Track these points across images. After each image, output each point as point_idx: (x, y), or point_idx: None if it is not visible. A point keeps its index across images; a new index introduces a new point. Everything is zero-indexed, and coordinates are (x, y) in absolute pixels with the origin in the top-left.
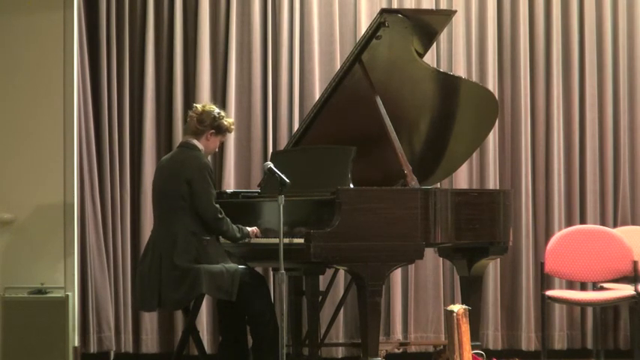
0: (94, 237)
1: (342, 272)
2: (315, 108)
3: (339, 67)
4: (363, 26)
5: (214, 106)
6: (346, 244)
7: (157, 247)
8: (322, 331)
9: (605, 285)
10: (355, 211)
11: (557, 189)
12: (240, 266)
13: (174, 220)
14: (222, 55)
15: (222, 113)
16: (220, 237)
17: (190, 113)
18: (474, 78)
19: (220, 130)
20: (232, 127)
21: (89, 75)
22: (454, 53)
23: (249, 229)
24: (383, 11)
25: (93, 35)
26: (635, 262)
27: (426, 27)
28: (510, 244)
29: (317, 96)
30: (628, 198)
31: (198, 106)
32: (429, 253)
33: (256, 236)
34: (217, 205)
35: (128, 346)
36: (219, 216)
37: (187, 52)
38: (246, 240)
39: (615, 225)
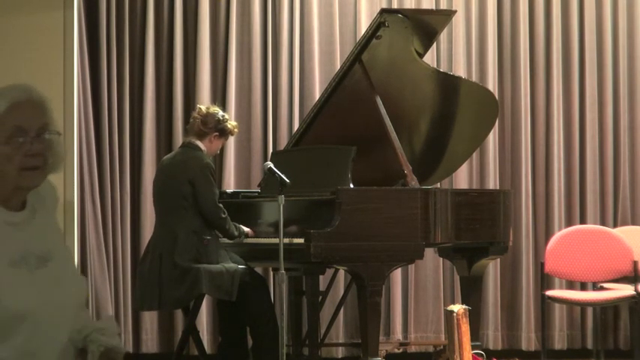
0: (94, 237)
1: (342, 272)
2: (315, 108)
3: (339, 67)
4: (363, 26)
5: (218, 108)
6: (346, 244)
7: (158, 246)
8: (322, 331)
9: (605, 285)
10: (355, 211)
11: (557, 189)
12: (240, 266)
13: (176, 219)
14: (222, 55)
15: (227, 116)
16: (220, 236)
17: (194, 114)
18: (474, 78)
19: (224, 132)
20: (236, 130)
21: (89, 75)
22: (454, 53)
23: (244, 228)
24: (383, 11)
25: (93, 35)
26: (635, 262)
27: (426, 27)
28: (510, 244)
29: (317, 96)
30: (628, 198)
31: (202, 107)
32: (429, 253)
33: (247, 236)
34: (221, 205)
35: (128, 346)
36: (223, 215)
37: (187, 52)
38: (242, 239)
39: (615, 225)
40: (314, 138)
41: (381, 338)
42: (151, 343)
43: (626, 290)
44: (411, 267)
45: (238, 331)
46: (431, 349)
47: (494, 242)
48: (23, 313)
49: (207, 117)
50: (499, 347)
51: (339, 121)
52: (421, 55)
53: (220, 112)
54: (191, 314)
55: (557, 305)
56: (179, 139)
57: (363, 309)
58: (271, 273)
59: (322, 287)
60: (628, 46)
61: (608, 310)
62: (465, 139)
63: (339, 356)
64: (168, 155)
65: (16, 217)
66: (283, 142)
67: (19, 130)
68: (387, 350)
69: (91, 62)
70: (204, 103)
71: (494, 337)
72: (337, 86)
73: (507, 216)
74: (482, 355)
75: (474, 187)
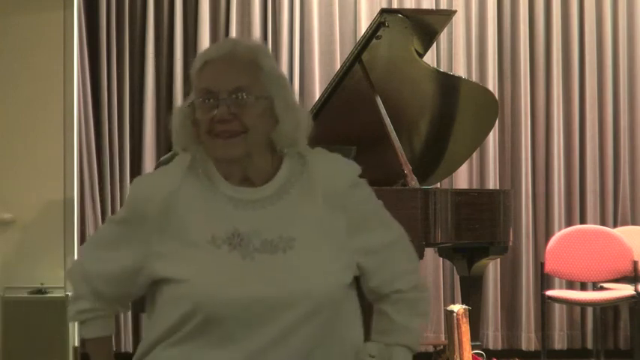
0: None
1: None
2: (314, 108)
3: (339, 67)
4: (363, 26)
5: None
6: None
7: None
8: None
9: (605, 285)
10: None
11: (557, 189)
12: None
13: None
14: None
15: None
16: None
17: None
18: (474, 78)
19: None
20: None
21: (89, 75)
22: (454, 53)
23: None
24: (383, 11)
25: (93, 35)
26: (635, 262)
27: (426, 27)
28: (510, 244)
29: (317, 96)
30: (628, 198)
31: None
32: (429, 253)
33: None
34: None
35: (128, 346)
36: None
37: (187, 52)
38: None
39: (615, 225)
40: (314, 138)
41: None
42: None
43: (626, 290)
44: None
45: None
46: (431, 349)
47: (494, 242)
48: (207, 299)
49: None
50: (499, 347)
51: (338, 121)
52: (421, 55)
53: None
54: None
55: (557, 305)
56: None
57: (362, 309)
58: None
59: None
60: (628, 46)
61: (608, 310)
62: (465, 139)
63: None
64: (166, 155)
65: (239, 192)
66: None
67: (207, 92)
68: None
69: (91, 62)
70: None
71: (494, 337)
72: (337, 86)
73: (507, 216)
74: (482, 355)
75: (474, 187)
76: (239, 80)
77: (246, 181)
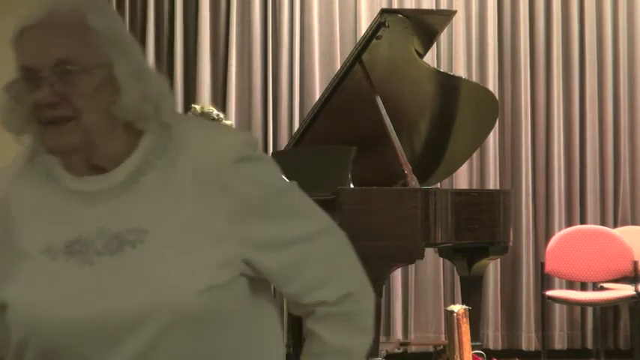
0: None
1: None
2: (315, 108)
3: (339, 67)
4: (363, 26)
5: (213, 108)
6: None
7: None
8: None
9: (605, 285)
10: (355, 211)
11: (557, 189)
12: None
13: None
14: (222, 55)
15: (222, 115)
16: None
17: (188, 114)
18: (474, 78)
19: None
20: None
21: None
22: (454, 53)
23: None
24: (383, 11)
25: None
26: (635, 262)
27: (426, 27)
28: (510, 244)
29: (317, 96)
30: (628, 198)
31: (197, 107)
32: (429, 253)
33: None
34: None
35: None
36: None
37: (187, 52)
38: None
39: (615, 225)
40: (314, 138)
41: (381, 338)
42: None
43: (626, 290)
44: (411, 267)
45: None
46: (431, 349)
47: (494, 242)
48: (35, 324)
49: (202, 116)
50: (499, 347)
51: (339, 121)
52: (421, 55)
53: (215, 112)
54: None
55: (557, 305)
56: None
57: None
58: None
59: None
60: (628, 46)
61: (608, 310)
62: (465, 139)
63: None
64: None
65: (84, 183)
66: (283, 142)
67: (26, 70)
68: (387, 350)
69: None
70: (205, 104)
71: (494, 337)
72: (337, 86)
73: (507, 216)
74: (482, 355)
75: (474, 187)
76: (62, 51)
77: (94, 168)
